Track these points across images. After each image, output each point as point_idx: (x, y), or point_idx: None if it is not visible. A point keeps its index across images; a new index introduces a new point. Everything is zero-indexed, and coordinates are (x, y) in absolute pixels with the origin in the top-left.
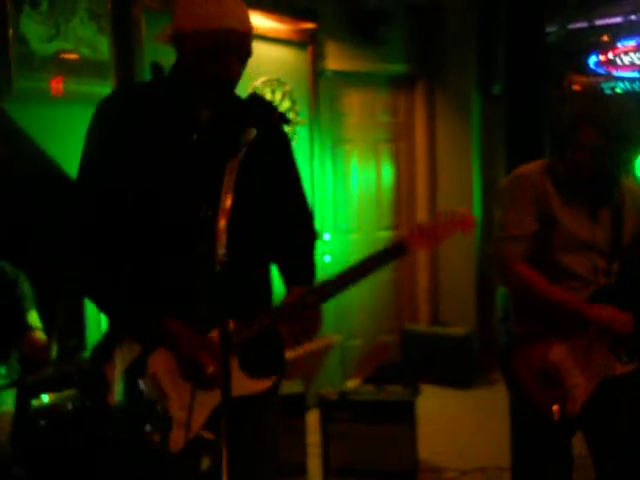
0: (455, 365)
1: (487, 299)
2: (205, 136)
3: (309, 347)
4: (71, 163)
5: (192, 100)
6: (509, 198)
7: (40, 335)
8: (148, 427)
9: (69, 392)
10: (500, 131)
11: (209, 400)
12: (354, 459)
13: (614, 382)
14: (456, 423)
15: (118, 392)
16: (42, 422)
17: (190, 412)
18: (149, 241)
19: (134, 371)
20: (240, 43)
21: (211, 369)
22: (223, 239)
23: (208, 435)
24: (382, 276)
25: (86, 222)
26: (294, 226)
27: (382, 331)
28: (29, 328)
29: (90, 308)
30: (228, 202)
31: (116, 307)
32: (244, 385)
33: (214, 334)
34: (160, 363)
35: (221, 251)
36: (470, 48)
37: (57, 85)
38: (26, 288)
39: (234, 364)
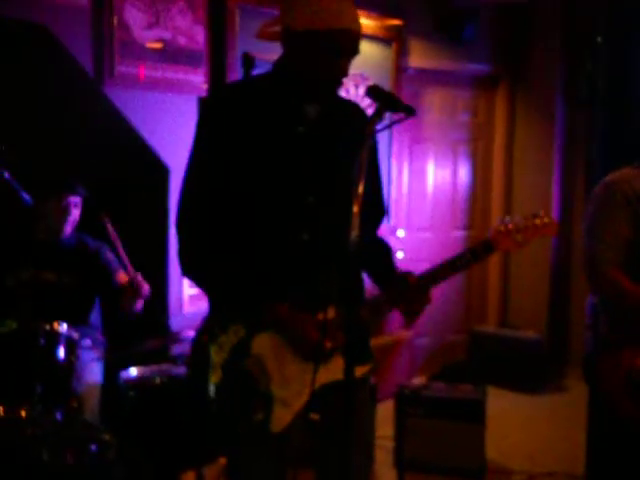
0: (524, 369)
1: (561, 304)
2: (312, 128)
3: (379, 342)
4: (163, 146)
5: (300, 95)
6: (601, 205)
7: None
8: (252, 405)
9: (156, 366)
10: (583, 136)
11: (311, 382)
12: (424, 454)
13: None
14: (525, 426)
15: (223, 371)
16: (131, 393)
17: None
18: (258, 229)
19: (239, 352)
20: (355, 43)
21: (329, 344)
22: (356, 222)
23: (314, 416)
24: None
25: (197, 216)
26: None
27: (450, 330)
28: (121, 288)
29: (172, 289)
30: (361, 188)
31: (226, 292)
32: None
33: (323, 315)
34: (265, 345)
35: (355, 233)
36: (556, 50)
37: (154, 72)
38: (110, 254)
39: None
